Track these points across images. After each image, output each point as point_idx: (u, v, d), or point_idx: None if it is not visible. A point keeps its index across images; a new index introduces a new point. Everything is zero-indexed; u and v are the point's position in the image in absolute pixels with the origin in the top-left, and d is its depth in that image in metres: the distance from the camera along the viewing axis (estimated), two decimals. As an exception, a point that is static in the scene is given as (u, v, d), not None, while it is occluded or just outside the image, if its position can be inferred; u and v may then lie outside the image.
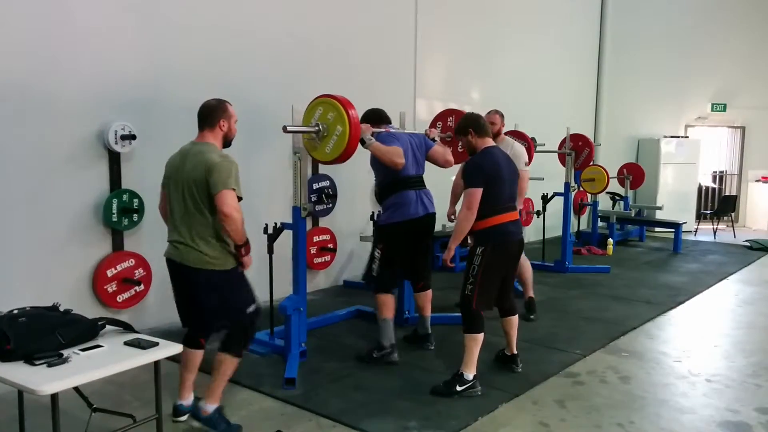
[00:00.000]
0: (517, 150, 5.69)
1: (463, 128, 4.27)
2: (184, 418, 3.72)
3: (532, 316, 5.76)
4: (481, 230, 4.12)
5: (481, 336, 4.13)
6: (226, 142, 3.57)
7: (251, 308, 3.53)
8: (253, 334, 3.66)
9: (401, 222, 4.59)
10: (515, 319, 4.51)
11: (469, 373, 4.10)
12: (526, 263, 5.90)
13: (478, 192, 4.02)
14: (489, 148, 4.20)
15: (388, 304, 4.66)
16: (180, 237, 3.40)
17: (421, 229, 4.67)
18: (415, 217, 4.59)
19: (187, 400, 3.69)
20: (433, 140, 4.90)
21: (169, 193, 3.50)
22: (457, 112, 5.62)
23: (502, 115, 5.83)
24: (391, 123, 4.94)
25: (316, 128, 4.15)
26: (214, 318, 3.54)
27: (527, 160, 5.73)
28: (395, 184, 4.61)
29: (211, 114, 3.48)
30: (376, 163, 4.62)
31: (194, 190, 3.35)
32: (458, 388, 4.06)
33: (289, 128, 4.06)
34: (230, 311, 3.50)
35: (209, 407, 3.47)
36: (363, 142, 4.32)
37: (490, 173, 4.06)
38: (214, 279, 3.40)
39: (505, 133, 7.17)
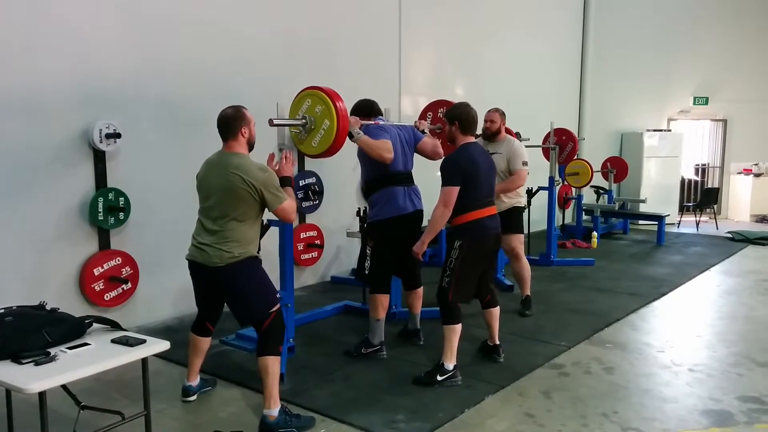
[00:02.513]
0: (516, 149, 5.71)
1: (451, 117, 4.25)
2: (192, 398, 3.89)
3: (527, 312, 5.78)
4: (459, 225, 4.18)
5: (458, 326, 4.19)
6: (250, 147, 3.64)
7: (276, 304, 3.59)
8: (283, 330, 3.67)
9: (389, 218, 4.54)
10: (496, 310, 4.56)
11: (450, 364, 4.17)
12: (525, 263, 5.91)
13: (455, 190, 4.07)
14: (467, 145, 4.21)
15: (383, 304, 4.65)
16: (210, 239, 3.48)
17: (409, 225, 4.61)
18: (403, 213, 4.54)
19: (194, 381, 3.92)
20: (423, 132, 4.86)
21: (201, 199, 3.61)
22: (448, 103, 5.50)
23: (502, 114, 5.84)
24: (381, 115, 4.87)
25: (303, 121, 4.08)
26: (248, 309, 3.59)
27: (526, 160, 5.72)
28: (383, 179, 4.56)
29: (231, 124, 3.53)
30: (364, 156, 4.55)
31: (231, 199, 3.44)
32: (439, 378, 4.13)
33: (275, 121, 3.99)
34: (260, 297, 3.55)
35: (274, 412, 3.47)
36: (351, 136, 4.26)
37: (467, 170, 4.09)
38: (238, 268, 3.48)
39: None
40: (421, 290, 4.97)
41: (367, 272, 4.63)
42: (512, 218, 5.75)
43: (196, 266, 3.57)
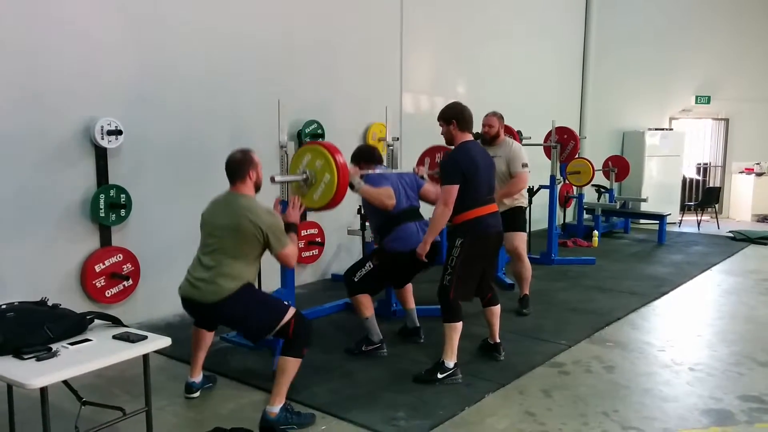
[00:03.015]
0: (515, 151, 5.69)
1: (448, 118, 4.28)
2: (196, 394, 3.90)
3: (525, 310, 5.77)
4: (461, 223, 4.19)
5: (459, 325, 4.21)
6: (257, 189, 3.71)
7: (288, 311, 3.57)
8: (309, 332, 3.65)
9: (404, 252, 4.57)
10: (497, 308, 4.56)
11: (450, 362, 4.18)
12: (526, 263, 5.87)
13: (455, 188, 4.09)
14: (465, 143, 4.24)
15: (366, 303, 4.67)
16: (205, 274, 3.50)
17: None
18: (415, 247, 4.52)
19: (198, 377, 3.94)
20: (422, 178, 4.93)
21: (203, 236, 3.65)
22: (444, 149, 5.33)
23: (500, 117, 5.82)
24: (382, 162, 4.95)
25: (304, 176, 4.11)
26: (253, 331, 3.63)
27: (526, 161, 5.70)
28: (393, 220, 4.62)
29: (240, 168, 3.61)
30: (369, 205, 4.68)
31: (236, 238, 3.50)
32: (439, 376, 4.14)
33: (276, 179, 4.03)
34: (261, 317, 3.55)
35: (275, 408, 3.47)
36: (352, 186, 4.35)
37: (466, 168, 4.11)
38: (232, 302, 3.48)
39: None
40: (410, 285, 5.04)
41: (356, 279, 4.66)
42: (514, 218, 5.77)
43: (190, 302, 3.60)
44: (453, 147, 4.31)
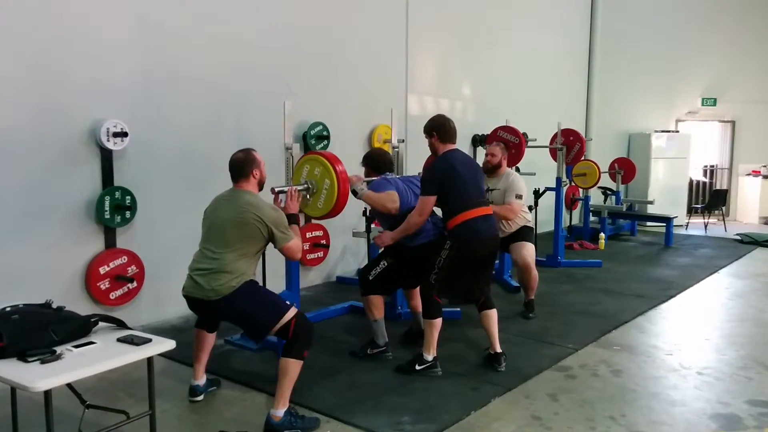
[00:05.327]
0: (513, 182, 5.73)
1: (428, 130, 4.43)
2: (200, 398, 3.90)
3: (531, 314, 5.73)
4: (452, 228, 4.25)
5: (438, 321, 4.30)
6: (261, 186, 3.76)
7: (289, 310, 3.56)
8: (310, 333, 3.63)
9: (419, 245, 4.54)
10: (492, 312, 4.52)
11: (428, 355, 4.29)
12: (534, 274, 5.80)
13: (430, 200, 4.23)
14: (446, 152, 4.34)
15: (377, 304, 4.66)
16: (207, 266, 3.52)
17: (431, 249, 4.49)
18: (426, 241, 4.53)
19: (201, 380, 3.94)
20: None
21: (205, 231, 3.68)
22: None
23: (503, 148, 5.86)
24: (392, 171, 4.96)
25: (305, 185, 4.19)
26: (255, 327, 3.64)
27: (521, 193, 5.70)
28: (403, 218, 4.54)
29: (243, 167, 3.68)
30: (377, 211, 4.70)
31: (240, 233, 3.53)
32: (417, 367, 4.28)
33: (277, 189, 4.06)
34: (263, 314, 3.55)
35: (279, 412, 3.46)
36: (355, 193, 4.39)
37: (444, 176, 4.23)
38: (233, 297, 3.49)
39: (499, 128, 7.22)
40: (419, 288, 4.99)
41: (371, 278, 4.65)
42: (522, 233, 5.84)
43: (194, 301, 3.60)
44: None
